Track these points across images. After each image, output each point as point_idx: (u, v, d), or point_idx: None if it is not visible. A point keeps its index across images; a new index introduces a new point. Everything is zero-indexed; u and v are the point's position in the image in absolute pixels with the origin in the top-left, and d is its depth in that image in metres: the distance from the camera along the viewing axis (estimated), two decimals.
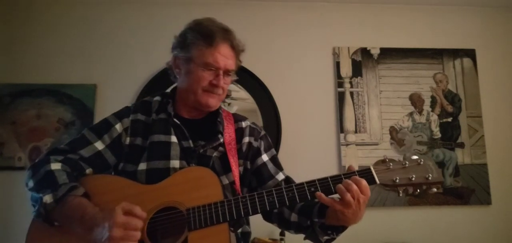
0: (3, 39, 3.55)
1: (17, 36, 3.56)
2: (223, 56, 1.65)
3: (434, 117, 3.58)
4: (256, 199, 1.47)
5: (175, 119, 1.68)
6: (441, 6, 3.81)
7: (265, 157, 1.78)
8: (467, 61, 3.71)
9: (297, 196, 1.46)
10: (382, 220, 3.33)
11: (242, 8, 3.72)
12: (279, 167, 1.80)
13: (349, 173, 1.45)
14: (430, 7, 3.81)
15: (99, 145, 1.63)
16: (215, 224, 1.43)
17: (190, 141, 1.65)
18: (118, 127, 1.67)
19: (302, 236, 1.66)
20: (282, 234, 2.99)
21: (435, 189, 1.45)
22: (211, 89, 1.66)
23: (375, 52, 3.69)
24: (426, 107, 3.60)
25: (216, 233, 1.44)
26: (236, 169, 1.67)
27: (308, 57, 3.67)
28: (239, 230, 1.65)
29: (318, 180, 1.46)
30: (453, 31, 3.79)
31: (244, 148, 1.75)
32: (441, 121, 3.58)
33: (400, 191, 1.46)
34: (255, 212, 1.48)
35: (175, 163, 1.60)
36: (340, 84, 3.62)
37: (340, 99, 3.58)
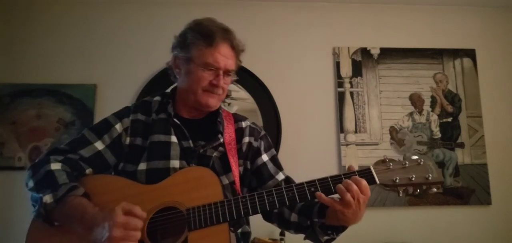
0: (3, 39, 3.55)
1: (17, 36, 3.56)
2: (223, 56, 1.65)
3: (434, 117, 3.58)
4: (256, 199, 1.47)
5: (175, 119, 1.68)
6: (441, 6, 3.81)
7: (265, 157, 1.78)
8: (467, 61, 3.71)
9: (297, 196, 1.46)
10: (382, 220, 3.33)
11: (242, 8, 3.72)
12: (279, 167, 1.80)
13: (349, 173, 1.45)
14: (430, 7, 3.81)
15: (99, 145, 1.63)
16: (215, 224, 1.43)
17: (190, 141, 1.65)
18: (118, 127, 1.67)
19: (302, 236, 1.66)
20: (282, 234, 2.99)
21: (435, 189, 1.45)
22: (211, 89, 1.66)
23: (375, 52, 3.69)
24: (426, 107, 3.60)
25: (216, 233, 1.44)
26: (236, 169, 1.67)
27: (308, 57, 3.67)
28: (239, 230, 1.65)
29: (318, 180, 1.46)
30: (453, 31, 3.79)
31: (244, 148, 1.75)
32: (441, 121, 3.58)
33: (400, 191, 1.46)
34: (255, 212, 1.48)
35: (175, 163, 1.60)
36: (340, 84, 3.62)
37: (340, 99, 3.58)
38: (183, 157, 1.62)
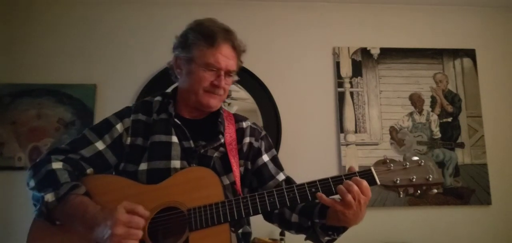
0: (3, 39, 3.55)
1: (17, 36, 3.56)
2: (225, 57, 1.65)
3: (434, 117, 3.58)
4: (257, 200, 1.47)
5: (176, 120, 1.68)
6: (441, 6, 3.81)
7: (265, 158, 1.78)
8: (467, 61, 3.71)
9: (298, 197, 1.46)
10: (382, 220, 3.33)
11: (242, 8, 3.72)
12: (280, 168, 1.81)
13: (350, 174, 1.45)
14: (430, 7, 3.81)
15: (100, 145, 1.63)
16: (216, 224, 1.43)
17: (191, 141, 1.65)
18: (119, 127, 1.67)
19: (302, 236, 1.66)
20: (282, 234, 2.99)
21: (435, 190, 1.45)
22: (212, 90, 1.66)
23: (375, 52, 3.69)
24: (426, 107, 3.60)
25: (217, 233, 1.44)
26: (237, 170, 1.67)
27: (308, 57, 3.67)
28: (240, 231, 1.65)
29: (319, 180, 1.46)
30: (453, 31, 3.79)
31: (244, 148, 1.75)
32: (441, 121, 3.58)
33: (401, 192, 1.46)
34: (256, 213, 1.48)
35: (176, 163, 1.60)
36: (340, 84, 3.62)
37: (340, 99, 3.59)
38: (184, 158, 1.62)
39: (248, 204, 1.46)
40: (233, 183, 1.65)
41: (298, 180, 1.66)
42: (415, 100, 3.61)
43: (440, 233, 3.36)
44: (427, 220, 3.38)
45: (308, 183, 1.47)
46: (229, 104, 3.45)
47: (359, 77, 3.64)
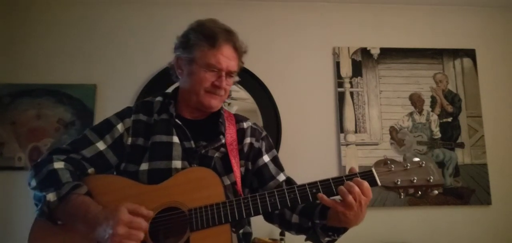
0: (3, 39, 3.55)
1: (17, 36, 3.56)
2: (226, 58, 1.65)
3: (434, 117, 3.58)
4: (258, 200, 1.47)
5: (176, 120, 1.68)
6: (441, 6, 3.81)
7: (266, 158, 1.78)
8: (467, 61, 3.71)
9: (298, 198, 1.46)
10: (382, 220, 3.33)
11: (242, 8, 3.72)
12: (280, 168, 1.81)
13: (350, 175, 1.45)
14: (430, 7, 3.82)
15: (101, 145, 1.63)
16: (217, 225, 1.44)
17: (192, 142, 1.65)
18: (120, 127, 1.67)
19: (303, 236, 1.66)
20: (282, 234, 2.99)
21: (436, 192, 1.45)
22: (213, 90, 1.66)
23: (375, 52, 3.69)
24: (426, 107, 3.60)
25: (218, 233, 1.44)
26: (237, 170, 1.67)
27: (308, 57, 3.67)
28: (241, 231, 1.65)
29: (320, 181, 1.46)
30: (453, 31, 3.79)
31: (245, 148, 1.75)
32: (441, 121, 3.58)
33: (402, 193, 1.46)
34: (257, 213, 1.48)
35: (177, 163, 1.60)
36: (340, 84, 3.62)
37: (340, 99, 3.59)
38: (185, 158, 1.62)
39: (249, 204, 1.46)
40: (233, 184, 1.65)
41: (298, 180, 1.67)
42: (415, 100, 3.61)
43: (440, 233, 3.36)
44: (427, 220, 3.38)
45: (309, 184, 1.47)
46: (229, 104, 3.45)
47: (359, 77, 3.64)
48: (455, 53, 3.72)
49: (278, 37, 3.69)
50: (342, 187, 1.40)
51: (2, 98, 3.41)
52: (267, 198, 1.47)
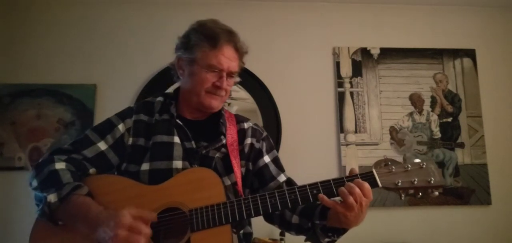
0: (3, 39, 3.55)
1: (17, 36, 3.56)
2: (227, 58, 1.65)
3: (434, 117, 3.58)
4: (259, 201, 1.47)
5: (177, 120, 1.69)
6: (441, 6, 3.81)
7: (267, 159, 1.78)
8: (467, 61, 3.71)
9: (299, 199, 1.46)
10: (382, 220, 3.33)
11: (242, 8, 3.72)
12: (281, 169, 1.81)
13: (351, 176, 1.45)
14: (430, 7, 3.82)
15: (102, 146, 1.63)
16: (218, 225, 1.44)
17: (193, 142, 1.66)
18: (121, 127, 1.67)
19: (302, 236, 1.67)
20: (282, 234, 2.99)
21: (437, 193, 1.45)
22: (214, 91, 1.66)
23: (375, 52, 3.69)
24: (426, 107, 3.60)
25: (218, 234, 1.44)
26: (238, 170, 1.67)
27: (308, 57, 3.67)
28: (241, 231, 1.65)
29: (321, 182, 1.46)
30: (453, 31, 3.79)
31: (246, 149, 1.75)
32: (441, 121, 3.58)
33: (403, 195, 1.46)
34: (257, 214, 1.48)
35: (177, 163, 1.60)
36: (340, 84, 3.62)
37: (340, 99, 3.59)
38: (185, 158, 1.62)
39: (250, 205, 1.47)
40: (234, 184, 1.65)
41: (298, 180, 1.67)
42: (415, 100, 3.61)
43: (440, 233, 3.36)
44: (427, 220, 3.38)
45: (309, 185, 1.47)
46: (229, 104, 3.44)
47: (359, 77, 3.64)
48: (455, 53, 3.72)
49: (278, 37, 3.69)
50: (342, 189, 1.40)
51: (2, 98, 3.40)
52: (268, 199, 1.47)
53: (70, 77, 3.48)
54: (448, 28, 3.80)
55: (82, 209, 1.41)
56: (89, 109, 3.42)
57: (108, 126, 1.68)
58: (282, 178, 1.77)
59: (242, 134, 1.78)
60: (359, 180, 1.42)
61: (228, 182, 1.64)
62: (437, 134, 3.55)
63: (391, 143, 3.51)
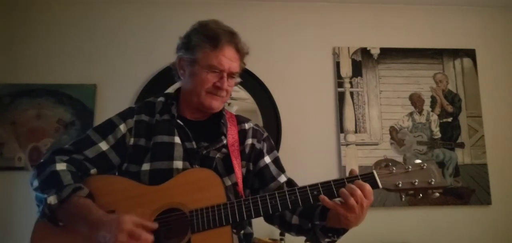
0: (3, 39, 3.54)
1: (17, 36, 3.55)
2: (228, 59, 1.65)
3: (434, 117, 3.58)
4: (259, 202, 1.47)
5: (178, 120, 1.69)
6: (441, 6, 3.81)
7: (267, 159, 1.78)
8: (467, 61, 3.71)
9: (299, 199, 1.46)
10: (382, 220, 3.33)
11: (242, 8, 3.72)
12: (281, 169, 1.81)
13: (352, 177, 1.45)
14: (430, 7, 3.81)
15: (104, 146, 1.64)
16: (218, 226, 1.44)
17: (193, 142, 1.66)
18: (122, 127, 1.67)
19: (303, 237, 1.67)
20: (282, 234, 2.99)
21: (437, 194, 1.45)
22: (215, 91, 1.66)
23: (375, 52, 3.69)
24: (426, 107, 3.60)
25: (219, 235, 1.44)
26: (239, 171, 1.67)
27: (308, 57, 3.67)
28: (242, 232, 1.65)
29: (321, 183, 1.46)
30: (453, 31, 3.79)
31: (247, 149, 1.75)
32: (441, 121, 3.58)
33: (403, 196, 1.46)
34: (257, 215, 1.48)
35: (178, 163, 1.60)
36: (340, 84, 3.62)
37: (340, 99, 3.58)
38: (186, 158, 1.62)
39: (250, 206, 1.47)
40: (235, 184, 1.65)
41: (298, 180, 1.67)
42: (415, 100, 3.61)
43: (440, 233, 3.36)
44: (427, 220, 3.38)
45: (310, 186, 1.47)
46: (229, 104, 3.44)
47: (359, 77, 3.64)
48: (455, 53, 3.72)
49: (278, 37, 3.69)
50: (344, 190, 1.40)
51: (2, 98, 3.40)
52: (268, 200, 1.47)
53: (70, 77, 3.48)
54: (448, 28, 3.80)
55: (83, 211, 1.41)
56: (89, 109, 3.42)
57: (109, 126, 1.68)
58: (282, 178, 1.77)
59: (243, 134, 1.78)
60: (360, 181, 1.42)
61: (228, 183, 1.64)
62: (437, 134, 3.55)
63: (391, 143, 3.50)
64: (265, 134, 1.85)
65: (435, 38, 3.76)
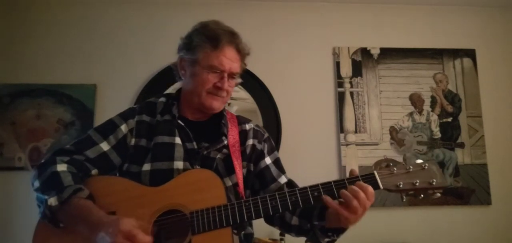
0: (3, 39, 3.54)
1: (17, 36, 3.55)
2: (229, 59, 1.65)
3: (434, 117, 3.58)
4: (259, 203, 1.47)
5: (179, 121, 1.69)
6: (441, 6, 3.81)
7: (268, 160, 1.78)
8: (467, 61, 3.71)
9: (300, 201, 1.46)
10: (382, 220, 3.33)
11: (242, 8, 3.72)
12: (282, 170, 1.80)
13: (352, 178, 1.45)
14: (430, 7, 3.81)
15: (105, 146, 1.63)
16: (219, 228, 1.44)
17: (194, 143, 1.66)
18: (124, 128, 1.67)
19: (303, 238, 1.67)
20: (282, 234, 2.99)
21: (438, 194, 1.44)
22: (215, 92, 1.66)
23: (375, 52, 3.69)
24: (426, 107, 3.60)
25: (219, 236, 1.44)
26: (239, 171, 1.67)
27: (308, 57, 3.67)
28: (242, 233, 1.65)
29: (322, 184, 1.46)
30: (453, 31, 3.79)
31: (248, 150, 1.75)
32: (441, 121, 3.58)
33: (404, 197, 1.45)
34: (258, 216, 1.48)
35: (178, 164, 1.60)
36: (340, 84, 3.62)
37: (340, 99, 3.58)
38: (186, 159, 1.62)
39: (251, 207, 1.46)
40: (235, 185, 1.65)
41: (298, 180, 1.67)
42: (415, 100, 3.61)
43: (440, 233, 3.36)
44: (427, 220, 3.39)
45: (310, 187, 1.47)
46: (229, 104, 3.43)
47: (359, 77, 3.64)
48: (455, 53, 3.72)
49: (278, 37, 3.69)
50: (347, 193, 1.39)
51: (2, 98, 3.40)
52: (269, 201, 1.47)
53: (70, 77, 3.48)
54: (448, 28, 3.80)
55: (83, 212, 1.41)
56: (89, 109, 3.41)
57: (110, 127, 1.68)
58: (283, 179, 1.76)
59: (243, 135, 1.78)
60: (362, 183, 1.41)
61: (229, 183, 1.64)
62: (437, 134, 3.55)
63: (391, 143, 3.50)
64: (266, 135, 1.85)
65: (435, 38, 3.76)
